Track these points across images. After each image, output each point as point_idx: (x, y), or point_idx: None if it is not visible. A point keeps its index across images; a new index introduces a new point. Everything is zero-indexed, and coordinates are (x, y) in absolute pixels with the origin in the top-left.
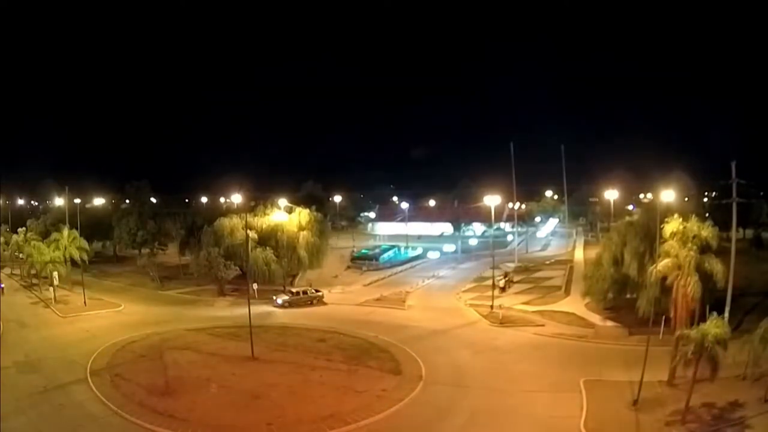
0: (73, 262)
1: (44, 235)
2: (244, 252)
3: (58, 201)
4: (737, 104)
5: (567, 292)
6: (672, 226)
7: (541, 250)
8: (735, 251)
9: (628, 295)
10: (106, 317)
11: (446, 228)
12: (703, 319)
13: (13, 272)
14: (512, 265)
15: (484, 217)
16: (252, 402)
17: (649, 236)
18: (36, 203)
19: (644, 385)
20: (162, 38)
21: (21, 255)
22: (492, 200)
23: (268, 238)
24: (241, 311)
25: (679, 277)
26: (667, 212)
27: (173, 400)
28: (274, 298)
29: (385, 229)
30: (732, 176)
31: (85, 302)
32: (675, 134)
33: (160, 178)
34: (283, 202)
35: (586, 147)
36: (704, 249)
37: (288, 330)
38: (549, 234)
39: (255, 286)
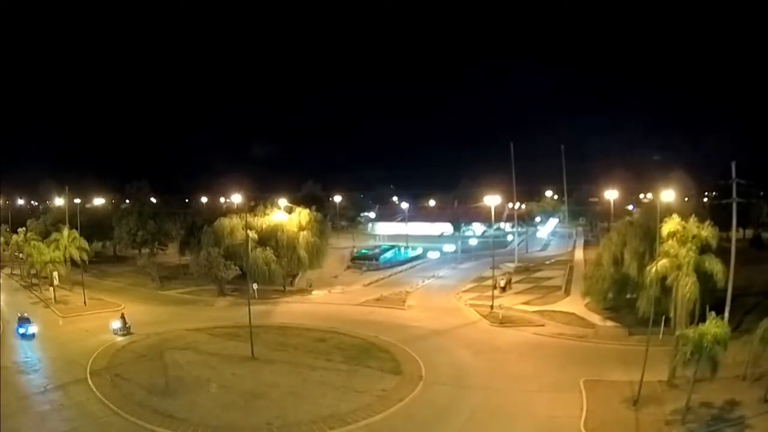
0: (73, 262)
1: (44, 235)
2: (244, 252)
3: (58, 201)
4: (737, 104)
5: (567, 292)
6: (669, 226)
7: (541, 250)
8: (735, 251)
9: (628, 295)
10: (106, 317)
11: (446, 228)
12: (703, 319)
13: (13, 272)
14: (512, 265)
15: (484, 217)
16: (252, 402)
17: (649, 236)
18: (36, 203)
19: (644, 385)
20: (162, 38)
21: (21, 255)
22: (492, 200)
23: (268, 238)
24: (241, 311)
25: (679, 277)
26: (667, 212)
27: (173, 400)
28: None
29: (385, 229)
30: (732, 176)
31: (85, 302)
32: (675, 134)
33: (160, 178)
34: (283, 202)
35: (586, 147)
36: (704, 249)
37: (288, 330)
38: (549, 234)
39: (255, 286)
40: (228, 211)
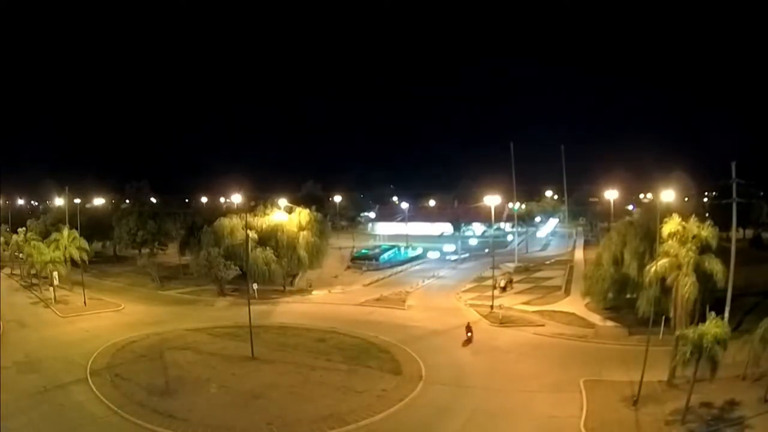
0: (73, 262)
1: (44, 235)
2: (244, 252)
3: (58, 201)
4: (737, 104)
5: (567, 292)
6: (670, 226)
7: (541, 250)
8: (735, 251)
9: (628, 295)
10: (106, 317)
11: (446, 228)
12: (703, 319)
13: (13, 272)
14: (512, 265)
15: (484, 217)
16: (252, 402)
17: (649, 236)
18: (36, 203)
19: (644, 385)
20: (163, 39)
21: (21, 255)
22: (492, 200)
23: (268, 238)
24: (241, 311)
25: (679, 277)
26: (667, 212)
27: (173, 400)
28: None
29: (385, 229)
30: (732, 176)
31: (85, 302)
32: (675, 134)
33: (160, 179)
34: (283, 202)
35: (586, 147)
36: (704, 249)
37: (288, 330)
38: (549, 234)
39: (255, 286)
40: (228, 211)
